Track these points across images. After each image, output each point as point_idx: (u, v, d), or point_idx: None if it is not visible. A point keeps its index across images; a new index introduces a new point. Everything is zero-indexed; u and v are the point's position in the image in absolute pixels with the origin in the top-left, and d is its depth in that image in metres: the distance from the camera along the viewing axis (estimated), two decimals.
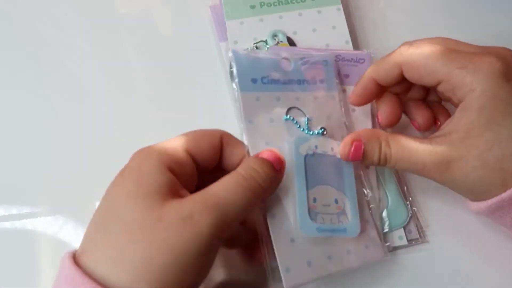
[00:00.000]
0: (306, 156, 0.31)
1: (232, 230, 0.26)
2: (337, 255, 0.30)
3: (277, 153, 0.28)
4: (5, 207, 0.35)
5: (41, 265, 0.33)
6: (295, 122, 0.32)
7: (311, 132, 0.32)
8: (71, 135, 0.37)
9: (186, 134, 0.28)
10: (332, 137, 0.33)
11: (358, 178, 0.33)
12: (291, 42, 0.38)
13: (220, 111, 0.38)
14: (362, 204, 0.33)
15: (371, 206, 0.33)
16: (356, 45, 0.39)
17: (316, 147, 0.31)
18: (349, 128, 0.35)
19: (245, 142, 0.30)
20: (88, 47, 0.39)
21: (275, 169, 0.27)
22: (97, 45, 0.39)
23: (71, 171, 0.36)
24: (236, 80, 0.31)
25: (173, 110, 0.38)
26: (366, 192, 0.33)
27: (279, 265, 0.28)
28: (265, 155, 0.27)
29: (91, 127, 0.37)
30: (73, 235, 0.34)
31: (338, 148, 0.32)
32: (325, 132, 0.32)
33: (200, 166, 0.28)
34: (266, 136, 0.30)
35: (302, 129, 0.32)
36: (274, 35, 0.38)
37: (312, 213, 0.30)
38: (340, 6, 0.39)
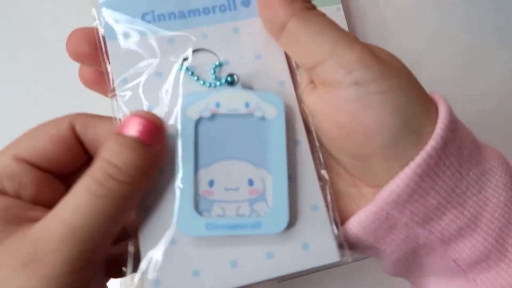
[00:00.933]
0: (198, 121, 0.21)
1: (103, 250, 0.19)
2: (247, 260, 0.21)
3: (147, 117, 0.19)
4: None
5: None
6: (190, 73, 0.22)
7: (213, 84, 0.22)
8: None
9: (19, 136, 0.21)
10: (251, 85, 0.22)
11: (300, 144, 0.22)
12: None
13: None
14: (306, 182, 0.22)
15: (327, 188, 0.22)
16: None
17: (218, 105, 0.22)
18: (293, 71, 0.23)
19: (116, 114, 0.22)
20: None
21: (148, 144, 0.19)
22: None
23: None
24: (100, 23, 0.22)
25: None
26: (319, 167, 0.22)
27: (144, 275, 0.20)
28: (127, 126, 0.19)
29: None
30: None
31: (257, 102, 0.22)
32: (235, 81, 0.22)
33: (53, 169, 0.21)
34: (149, 100, 0.22)
35: (202, 82, 0.22)
36: None
37: (203, 203, 0.21)
38: (340, 6, 0.39)
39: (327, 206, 0.22)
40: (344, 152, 0.22)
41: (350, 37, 0.20)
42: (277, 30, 0.21)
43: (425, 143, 0.20)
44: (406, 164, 0.20)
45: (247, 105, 0.22)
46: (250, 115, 0.22)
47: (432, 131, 0.20)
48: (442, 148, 0.20)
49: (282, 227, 0.21)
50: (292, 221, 0.21)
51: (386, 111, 0.20)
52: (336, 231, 0.21)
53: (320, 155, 0.22)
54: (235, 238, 0.21)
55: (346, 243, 0.22)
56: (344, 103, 0.20)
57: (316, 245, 0.21)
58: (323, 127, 0.22)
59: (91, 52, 0.22)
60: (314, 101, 0.22)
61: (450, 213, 0.20)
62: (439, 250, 0.21)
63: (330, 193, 0.22)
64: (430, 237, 0.21)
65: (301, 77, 0.23)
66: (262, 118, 0.22)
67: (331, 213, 0.22)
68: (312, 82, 0.22)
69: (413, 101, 0.20)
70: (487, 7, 0.41)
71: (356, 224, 0.21)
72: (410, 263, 0.23)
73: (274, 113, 0.22)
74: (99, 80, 0.23)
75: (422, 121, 0.20)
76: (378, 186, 0.21)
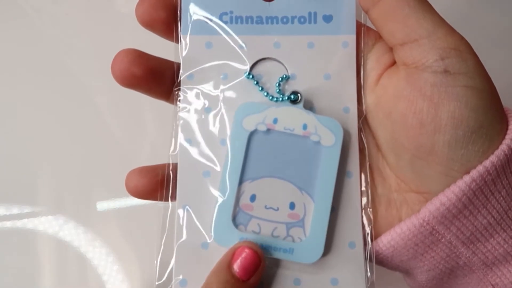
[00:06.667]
0: (253, 133, 0.21)
1: None
2: (273, 281, 0.21)
3: (251, 251, 0.20)
4: (6, 207, 0.36)
5: (42, 264, 0.34)
6: (255, 82, 0.22)
7: (275, 98, 0.22)
8: (71, 134, 0.37)
9: None
10: (314, 105, 0.22)
11: (351, 176, 0.21)
12: None
13: None
14: (348, 217, 0.21)
15: (368, 225, 0.21)
16: None
17: (275, 120, 0.21)
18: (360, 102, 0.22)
19: (178, 108, 0.22)
20: (88, 47, 0.37)
21: (247, 280, 0.19)
22: (97, 45, 0.37)
23: (72, 171, 0.36)
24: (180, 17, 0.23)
25: None
26: (362, 203, 0.21)
27: (173, 272, 0.21)
28: (234, 259, 0.20)
29: (92, 127, 0.36)
30: (73, 235, 0.34)
31: (316, 126, 0.21)
32: (298, 99, 0.21)
33: None
34: (209, 100, 0.22)
35: (265, 94, 0.22)
36: None
37: (241, 216, 0.21)
38: None
39: (365, 245, 0.21)
40: (410, 143, 0.20)
41: (449, 25, 0.20)
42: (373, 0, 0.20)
43: (492, 153, 0.19)
44: (467, 171, 0.19)
45: (304, 127, 0.21)
46: (305, 137, 0.21)
47: (500, 142, 0.19)
48: (502, 166, 0.19)
49: (315, 258, 0.20)
50: (326, 253, 0.21)
51: (467, 107, 0.19)
52: (369, 273, 0.21)
53: (369, 191, 0.21)
54: (266, 257, 0.21)
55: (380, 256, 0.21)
56: (429, 87, 0.19)
57: (345, 283, 0.20)
58: (398, 111, 0.20)
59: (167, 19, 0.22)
60: (395, 83, 0.21)
61: (498, 235, 0.20)
62: (478, 272, 0.21)
63: (372, 233, 0.21)
64: (473, 258, 0.20)
65: (372, 64, 0.22)
66: (317, 143, 0.21)
67: (368, 253, 0.21)
68: (390, 66, 0.22)
69: (494, 106, 0.20)
70: (489, 9, 0.39)
71: (396, 236, 0.20)
72: (444, 282, 0.22)
73: (331, 141, 0.21)
74: (146, 78, 0.22)
75: (497, 130, 0.20)
76: (426, 192, 0.20)
